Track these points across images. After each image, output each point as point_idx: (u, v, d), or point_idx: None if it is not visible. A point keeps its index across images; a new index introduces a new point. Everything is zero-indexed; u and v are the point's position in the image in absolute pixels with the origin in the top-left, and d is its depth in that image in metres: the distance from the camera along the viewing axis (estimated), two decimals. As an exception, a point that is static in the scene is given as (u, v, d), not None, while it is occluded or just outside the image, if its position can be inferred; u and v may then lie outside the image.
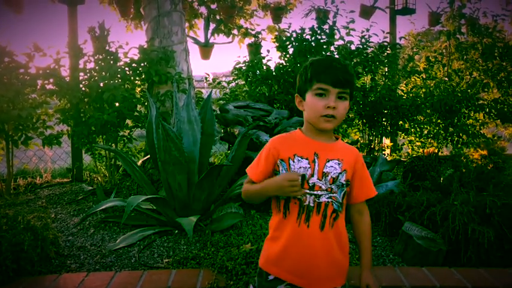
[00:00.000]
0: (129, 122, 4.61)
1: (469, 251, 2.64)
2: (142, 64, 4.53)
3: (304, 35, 4.88)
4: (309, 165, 1.57)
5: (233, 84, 5.36)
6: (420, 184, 3.66)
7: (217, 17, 5.98)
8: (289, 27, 5.02)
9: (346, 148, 1.68)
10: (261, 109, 4.38)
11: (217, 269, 2.44)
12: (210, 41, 5.93)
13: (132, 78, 4.56)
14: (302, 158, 1.57)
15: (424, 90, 5.13)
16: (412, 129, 5.14)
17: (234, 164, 3.51)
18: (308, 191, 1.56)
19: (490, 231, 2.62)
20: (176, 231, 3.24)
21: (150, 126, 3.48)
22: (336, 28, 4.86)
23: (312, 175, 1.56)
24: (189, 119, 3.42)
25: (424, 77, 5.30)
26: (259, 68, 4.91)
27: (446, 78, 5.48)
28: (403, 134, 5.26)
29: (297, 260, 1.58)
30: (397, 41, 5.62)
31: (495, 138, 5.31)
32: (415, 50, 5.81)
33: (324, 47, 4.87)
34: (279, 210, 1.61)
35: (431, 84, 5.18)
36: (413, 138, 5.24)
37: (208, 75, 5.47)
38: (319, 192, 1.57)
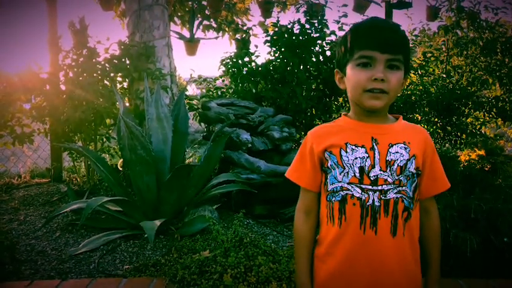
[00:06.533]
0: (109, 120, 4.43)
1: (451, 259, 2.42)
2: (123, 60, 4.36)
3: (294, 30, 4.67)
4: (367, 154, 1.23)
5: (219, 81, 5.15)
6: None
7: (206, 12, 5.76)
8: (278, 21, 4.81)
9: (412, 128, 1.34)
10: (246, 107, 4.18)
11: (169, 278, 2.24)
12: (198, 36, 5.71)
13: (112, 74, 4.39)
14: (357, 147, 1.24)
15: (420, 87, 4.88)
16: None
17: (208, 164, 3.32)
18: (370, 187, 1.23)
19: (474, 238, 2.39)
20: (146, 235, 3.04)
21: (119, 124, 3.30)
22: (325, 22, 4.62)
23: (373, 166, 1.23)
24: (158, 116, 3.25)
25: (420, 73, 5.05)
26: (245, 64, 4.69)
27: (444, 75, 5.22)
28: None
29: (363, 280, 1.24)
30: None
31: (497, 137, 5.06)
32: (411, 45, 5.55)
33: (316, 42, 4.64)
34: (332, 217, 1.27)
35: (428, 81, 4.94)
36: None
37: (193, 71, 5.28)
38: (385, 187, 1.23)
